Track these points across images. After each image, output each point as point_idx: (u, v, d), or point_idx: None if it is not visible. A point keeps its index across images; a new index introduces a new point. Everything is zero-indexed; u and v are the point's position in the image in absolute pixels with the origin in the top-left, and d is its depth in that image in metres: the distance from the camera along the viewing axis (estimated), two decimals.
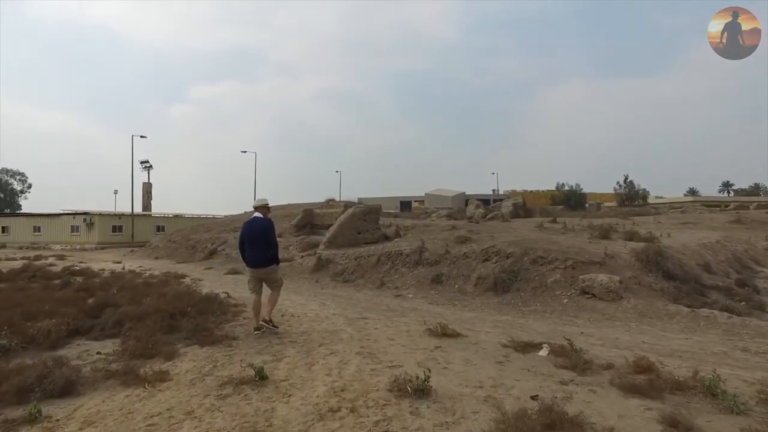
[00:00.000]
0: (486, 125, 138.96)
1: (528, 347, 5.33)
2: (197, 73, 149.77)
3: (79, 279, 11.60)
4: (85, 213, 37.85)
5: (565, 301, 8.16)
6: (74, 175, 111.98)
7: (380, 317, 7.44)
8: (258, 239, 6.16)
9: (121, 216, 39.13)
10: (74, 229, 37.62)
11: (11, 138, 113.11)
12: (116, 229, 38.08)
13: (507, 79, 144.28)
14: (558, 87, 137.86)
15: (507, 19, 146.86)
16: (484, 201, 44.18)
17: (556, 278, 8.83)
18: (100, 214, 37.76)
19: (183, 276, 13.93)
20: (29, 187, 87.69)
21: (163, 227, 41.13)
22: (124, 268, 16.40)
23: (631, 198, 54.83)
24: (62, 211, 39.26)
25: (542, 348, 5.26)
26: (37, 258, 24.45)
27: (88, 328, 6.17)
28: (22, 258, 23.40)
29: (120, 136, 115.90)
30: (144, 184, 60.01)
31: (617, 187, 59.15)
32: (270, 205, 6.59)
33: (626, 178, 58.75)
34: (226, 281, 13.33)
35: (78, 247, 35.59)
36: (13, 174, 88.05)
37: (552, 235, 13.27)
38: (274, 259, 6.29)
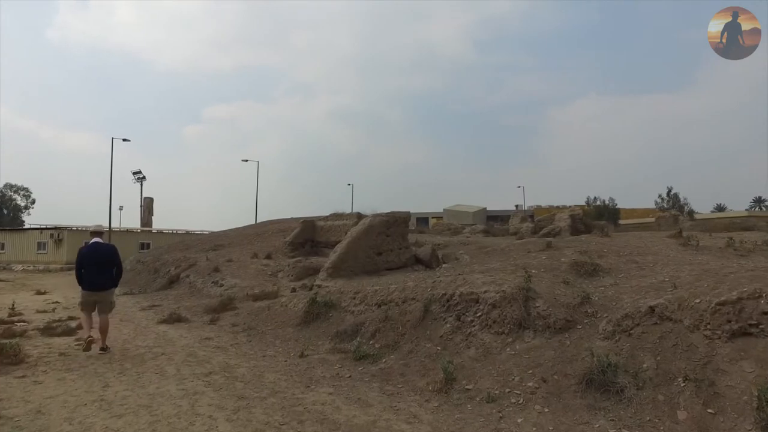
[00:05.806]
0: (501, 142, 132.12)
1: None
2: (212, 94, 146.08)
3: None
4: (54, 228, 32.35)
5: None
6: (90, 193, 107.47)
7: None
8: (104, 263, 6.33)
9: None
10: (40, 246, 32.00)
11: (23, 155, 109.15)
12: None
13: (522, 96, 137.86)
14: (575, 102, 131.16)
15: (523, 37, 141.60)
16: (505, 217, 38.75)
17: None
18: (71, 230, 32.12)
19: (76, 330, 7.94)
20: (33, 202, 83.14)
21: (149, 244, 35.47)
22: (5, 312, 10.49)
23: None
24: (29, 226, 33.82)
25: None
26: None
27: None
28: None
29: (135, 156, 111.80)
30: (145, 198, 54.17)
31: (659, 200, 53.11)
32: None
33: (669, 191, 52.61)
34: (136, 353, 7.25)
35: (42, 267, 29.99)
36: (17, 189, 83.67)
37: (740, 261, 7.08)
38: (115, 283, 6.54)
